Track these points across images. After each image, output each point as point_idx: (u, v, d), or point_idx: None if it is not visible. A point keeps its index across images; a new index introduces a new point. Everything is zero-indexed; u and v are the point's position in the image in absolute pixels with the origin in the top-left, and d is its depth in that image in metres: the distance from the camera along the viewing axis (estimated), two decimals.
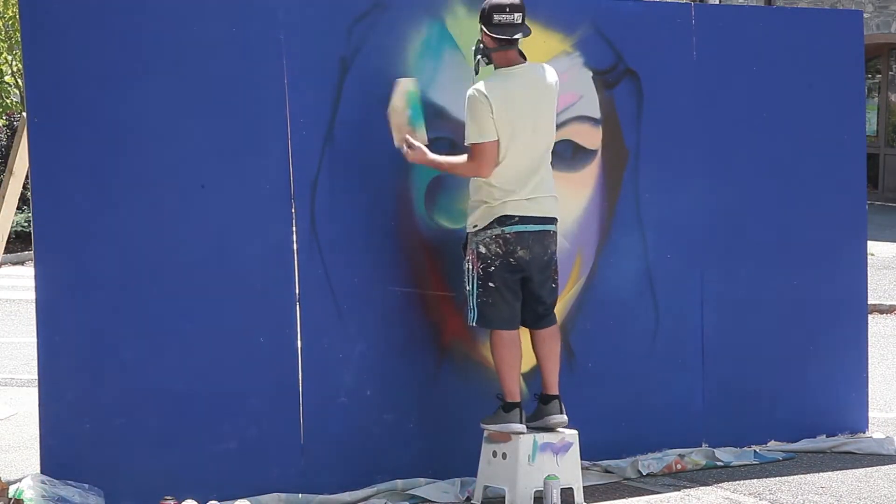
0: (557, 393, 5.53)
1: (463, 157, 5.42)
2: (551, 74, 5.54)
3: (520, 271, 5.42)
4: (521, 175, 5.37)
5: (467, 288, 5.46)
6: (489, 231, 5.37)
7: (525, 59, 5.49)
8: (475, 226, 5.40)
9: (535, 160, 5.42)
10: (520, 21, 5.40)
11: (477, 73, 5.51)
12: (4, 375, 8.87)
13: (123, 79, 5.21)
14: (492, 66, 5.47)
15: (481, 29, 5.44)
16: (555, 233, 5.51)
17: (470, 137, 5.35)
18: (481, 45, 5.49)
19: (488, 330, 5.49)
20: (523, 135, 5.37)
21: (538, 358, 5.57)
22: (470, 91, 5.38)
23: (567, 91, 6.04)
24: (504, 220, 5.36)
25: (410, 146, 5.45)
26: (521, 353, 5.49)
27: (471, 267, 5.43)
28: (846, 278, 6.74)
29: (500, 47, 5.41)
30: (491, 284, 5.39)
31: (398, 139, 5.51)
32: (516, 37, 5.40)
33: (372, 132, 5.63)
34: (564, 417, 5.47)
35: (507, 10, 5.36)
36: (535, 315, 5.54)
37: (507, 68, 5.43)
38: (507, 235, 5.35)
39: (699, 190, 6.38)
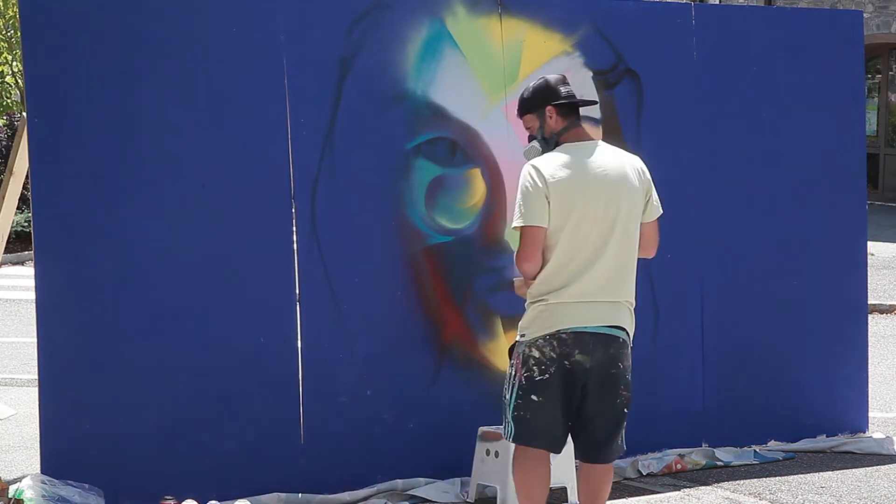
0: None
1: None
2: (637, 161, 4.69)
3: (574, 382, 4.48)
4: (579, 273, 4.45)
5: (506, 397, 4.55)
6: (541, 333, 4.47)
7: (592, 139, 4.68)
8: (523, 335, 4.52)
9: (603, 258, 4.47)
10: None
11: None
12: (4, 375, 8.87)
13: (123, 79, 5.21)
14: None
15: (541, 112, 4.61)
16: (625, 342, 4.52)
17: (514, 220, 4.50)
18: (541, 133, 4.65)
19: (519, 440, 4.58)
20: (587, 224, 4.45)
21: (582, 497, 4.68)
22: (526, 167, 4.51)
23: None
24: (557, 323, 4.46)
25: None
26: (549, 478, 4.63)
27: (513, 373, 4.53)
28: (846, 278, 6.74)
29: (571, 125, 4.60)
30: (535, 398, 4.47)
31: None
32: (584, 103, 4.71)
33: (372, 132, 5.63)
34: None
35: (567, 82, 4.68)
36: (593, 443, 4.57)
37: (576, 143, 4.57)
38: (563, 335, 4.44)
39: (699, 190, 6.38)
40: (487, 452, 5.53)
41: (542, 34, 5.97)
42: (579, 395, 4.50)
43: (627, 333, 4.54)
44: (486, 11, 5.88)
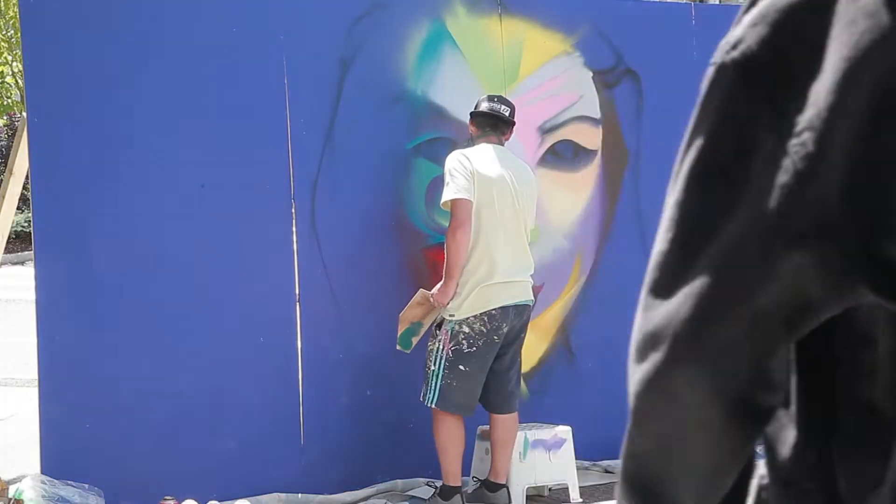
0: (505, 482, 5.41)
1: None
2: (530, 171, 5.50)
3: (495, 349, 5.26)
4: (498, 255, 5.19)
5: (432, 368, 5.28)
6: (472, 312, 5.21)
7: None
8: (452, 315, 5.25)
9: (511, 242, 5.23)
10: (507, 113, 5.37)
11: None
12: (4, 375, 8.87)
13: (123, 79, 5.21)
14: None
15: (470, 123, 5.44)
16: (531, 307, 5.39)
17: (446, 195, 5.16)
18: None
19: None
20: (501, 209, 5.19)
21: (493, 444, 5.38)
22: (452, 153, 5.29)
23: (567, 91, 6.04)
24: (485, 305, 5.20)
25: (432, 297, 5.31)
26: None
27: (440, 347, 5.27)
28: None
29: (483, 133, 5.36)
30: (462, 367, 5.22)
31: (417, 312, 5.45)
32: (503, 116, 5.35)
33: (372, 132, 5.63)
34: None
35: (496, 99, 5.41)
36: (503, 396, 5.36)
37: (490, 144, 5.32)
38: (493, 311, 5.19)
39: None
40: (486, 451, 5.53)
41: (542, 34, 5.97)
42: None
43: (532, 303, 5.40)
44: (486, 11, 5.88)
